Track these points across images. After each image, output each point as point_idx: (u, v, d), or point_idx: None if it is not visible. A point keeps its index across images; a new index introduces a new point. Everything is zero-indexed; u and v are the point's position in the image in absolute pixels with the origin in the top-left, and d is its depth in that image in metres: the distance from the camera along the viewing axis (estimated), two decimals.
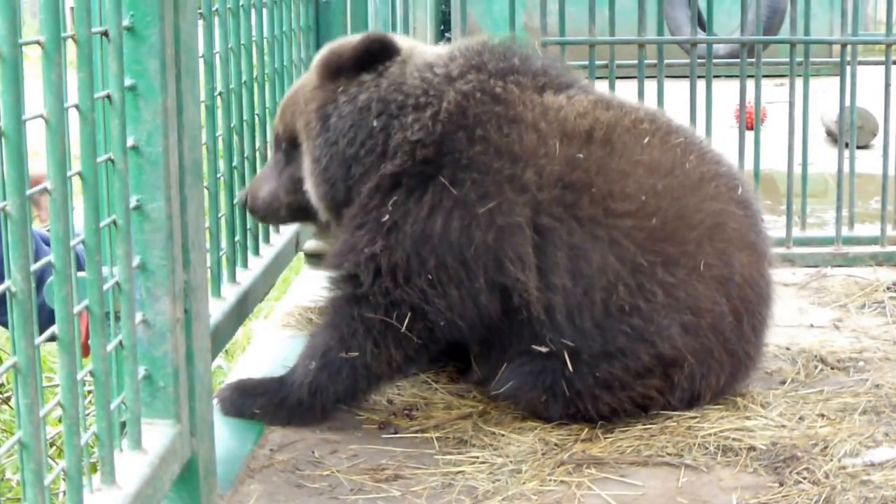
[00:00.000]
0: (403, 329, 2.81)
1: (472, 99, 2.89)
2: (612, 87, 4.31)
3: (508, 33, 3.86)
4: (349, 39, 3.11)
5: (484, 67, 2.95)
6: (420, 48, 3.07)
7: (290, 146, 3.10)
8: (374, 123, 2.90)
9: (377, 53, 2.96)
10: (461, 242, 2.80)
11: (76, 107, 1.82)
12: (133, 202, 2.08)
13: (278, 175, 3.13)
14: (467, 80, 2.92)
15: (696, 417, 2.87)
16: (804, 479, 2.56)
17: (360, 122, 2.92)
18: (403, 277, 2.81)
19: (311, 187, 3.03)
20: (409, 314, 2.81)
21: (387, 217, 2.82)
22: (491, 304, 2.84)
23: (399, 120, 2.89)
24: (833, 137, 7.17)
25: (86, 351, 2.03)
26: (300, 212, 3.16)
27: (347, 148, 2.93)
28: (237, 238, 3.21)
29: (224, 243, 3.10)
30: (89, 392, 3.04)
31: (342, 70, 2.97)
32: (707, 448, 2.74)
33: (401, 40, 3.09)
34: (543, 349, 2.83)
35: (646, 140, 2.90)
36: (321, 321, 3.02)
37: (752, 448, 2.72)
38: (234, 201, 3.22)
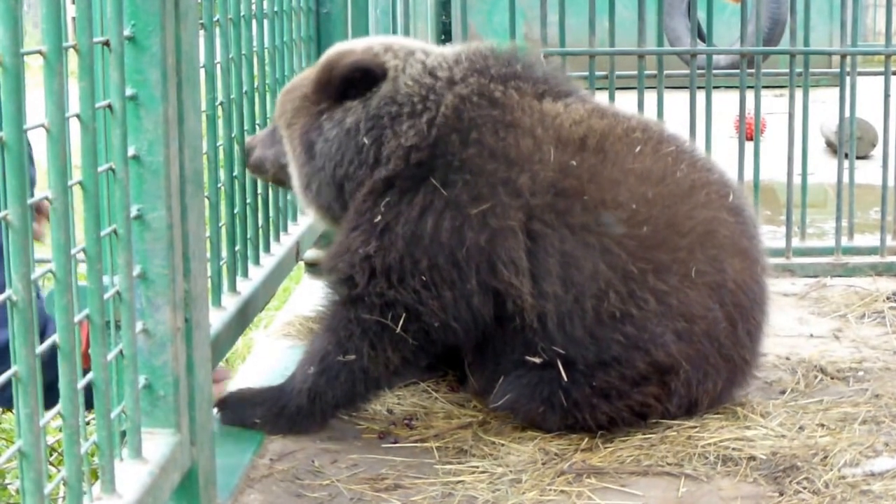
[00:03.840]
0: (398, 330, 2.81)
1: (468, 102, 2.90)
2: (611, 97, 4.32)
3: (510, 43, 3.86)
4: (349, 51, 3.10)
5: (486, 71, 2.97)
6: (419, 55, 3.04)
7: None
8: (364, 140, 2.94)
9: (361, 81, 2.97)
10: (452, 244, 2.80)
11: (77, 116, 1.82)
12: (134, 211, 2.08)
13: (271, 144, 3.20)
14: (467, 84, 2.93)
15: (695, 427, 2.87)
16: (804, 488, 2.56)
17: (347, 143, 2.96)
18: (397, 278, 2.82)
19: (304, 205, 3.16)
20: (404, 315, 2.81)
21: (379, 218, 2.84)
22: (484, 307, 2.84)
23: (392, 129, 2.91)
24: (833, 148, 7.18)
25: (86, 360, 2.03)
26: (282, 185, 3.29)
27: (336, 170, 2.98)
28: (237, 247, 3.21)
29: (224, 253, 3.11)
30: None
31: (328, 90, 3.01)
32: (707, 458, 2.74)
33: (397, 48, 3.06)
34: (537, 360, 2.83)
35: (637, 148, 2.91)
36: (319, 326, 3.03)
37: (752, 458, 2.72)
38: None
